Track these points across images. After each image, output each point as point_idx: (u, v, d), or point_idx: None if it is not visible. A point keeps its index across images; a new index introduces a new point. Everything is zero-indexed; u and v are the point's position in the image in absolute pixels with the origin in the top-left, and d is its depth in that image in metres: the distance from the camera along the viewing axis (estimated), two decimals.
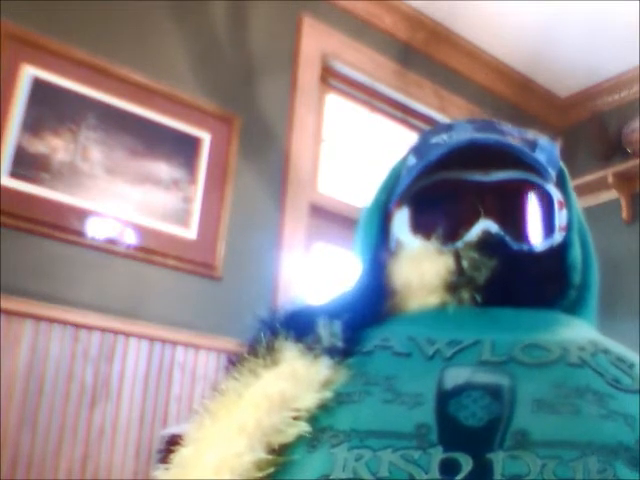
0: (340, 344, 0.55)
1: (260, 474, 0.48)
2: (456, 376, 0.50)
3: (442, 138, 0.67)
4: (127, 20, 1.99)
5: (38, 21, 1.81)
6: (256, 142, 2.20)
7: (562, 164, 0.71)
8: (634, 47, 2.79)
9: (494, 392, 0.48)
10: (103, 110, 1.87)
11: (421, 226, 0.65)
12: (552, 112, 3.27)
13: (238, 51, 2.23)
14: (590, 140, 3.09)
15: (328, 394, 0.51)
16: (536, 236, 0.64)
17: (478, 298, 0.59)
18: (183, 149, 2.01)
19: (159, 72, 2.01)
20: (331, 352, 0.54)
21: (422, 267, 0.61)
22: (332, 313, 0.58)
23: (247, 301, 2.01)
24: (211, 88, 2.13)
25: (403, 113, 2.79)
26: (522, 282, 0.61)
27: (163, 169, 1.96)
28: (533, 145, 0.66)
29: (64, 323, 1.67)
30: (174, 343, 1.85)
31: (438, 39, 2.81)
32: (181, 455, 0.52)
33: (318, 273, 2.39)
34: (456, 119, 0.73)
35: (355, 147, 2.65)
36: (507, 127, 0.69)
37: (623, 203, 2.94)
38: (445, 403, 0.48)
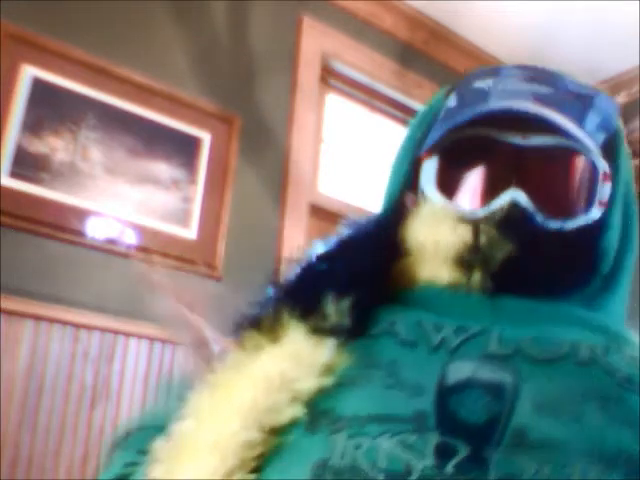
0: (347, 323, 0.53)
1: (253, 454, 0.48)
2: (459, 371, 0.49)
3: (486, 83, 0.61)
4: (127, 20, 1.99)
5: (38, 21, 1.81)
6: (256, 142, 2.20)
7: (619, 124, 0.63)
8: (634, 47, 2.79)
9: (496, 391, 0.47)
10: (103, 110, 1.87)
11: (448, 182, 0.60)
12: None
13: (238, 51, 2.23)
14: None
15: (329, 380, 0.50)
16: (570, 212, 0.58)
17: (489, 284, 0.55)
18: (183, 149, 2.01)
19: (159, 72, 2.01)
20: (337, 332, 0.52)
21: (439, 234, 0.57)
22: (341, 282, 0.55)
23: (247, 301, 2.00)
24: (211, 88, 2.13)
25: (403, 113, 2.79)
26: (543, 266, 0.56)
27: (163, 169, 1.96)
28: (587, 104, 0.59)
29: (64, 323, 1.67)
30: (174, 343, 1.85)
31: (438, 39, 2.81)
32: (179, 428, 0.51)
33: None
34: (507, 64, 0.66)
35: (355, 147, 2.65)
36: (562, 79, 0.61)
37: None
38: (445, 399, 0.47)
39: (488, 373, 0.49)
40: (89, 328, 1.71)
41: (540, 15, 2.70)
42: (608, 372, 0.50)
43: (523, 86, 0.59)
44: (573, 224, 0.57)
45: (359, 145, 2.67)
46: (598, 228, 0.59)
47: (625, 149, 0.63)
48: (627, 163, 0.63)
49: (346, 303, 0.54)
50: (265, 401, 0.49)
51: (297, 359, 0.51)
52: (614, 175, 0.60)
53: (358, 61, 2.57)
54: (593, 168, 0.58)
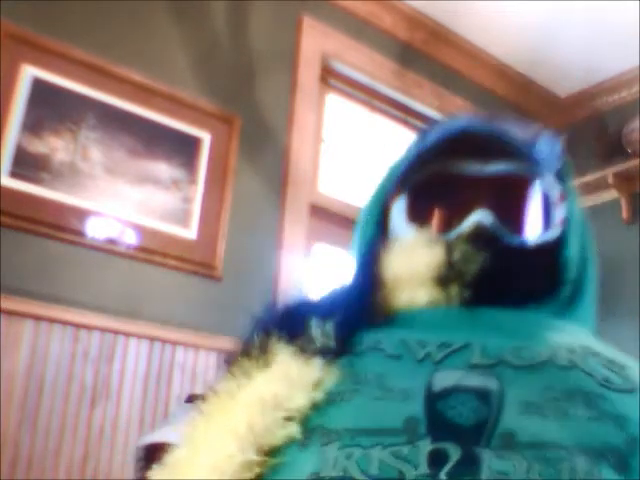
0: (332, 344, 0.55)
1: (250, 475, 0.48)
2: (445, 379, 0.50)
3: (444, 127, 0.67)
4: (127, 20, 1.99)
5: (38, 21, 1.81)
6: (256, 142, 2.20)
7: (566, 159, 0.70)
8: (634, 47, 2.79)
9: (482, 395, 0.49)
10: (103, 110, 1.87)
11: (417, 216, 0.65)
12: (552, 112, 3.27)
13: (238, 51, 2.23)
14: (590, 140, 3.09)
15: (320, 395, 0.51)
16: (531, 230, 0.64)
17: (466, 294, 0.58)
18: (183, 149, 2.01)
19: (159, 72, 2.01)
20: (323, 352, 0.54)
21: (413, 258, 0.61)
22: (325, 311, 0.58)
23: (247, 301, 2.01)
24: (211, 88, 2.13)
25: (403, 113, 2.79)
26: (513, 277, 0.60)
27: (163, 169, 1.96)
28: (534, 138, 0.65)
29: (64, 323, 1.67)
30: (174, 343, 1.85)
31: (438, 39, 2.81)
32: (174, 456, 0.52)
33: (318, 273, 2.39)
34: (458, 115, 0.74)
35: (355, 147, 2.65)
36: (509, 123, 0.68)
37: (623, 203, 2.94)
38: (433, 403, 0.48)
39: (473, 380, 0.50)
40: (89, 328, 1.71)
41: (540, 15, 2.70)
42: (588, 374, 0.51)
43: (472, 124, 0.66)
44: (535, 241, 0.63)
45: (359, 145, 2.67)
46: (559, 243, 0.65)
47: (572, 179, 0.70)
48: (574, 190, 0.70)
49: (330, 325, 0.56)
50: (260, 423, 0.50)
51: (288, 379, 0.52)
52: (567, 197, 0.67)
53: (358, 61, 2.57)
54: (548, 190, 0.65)
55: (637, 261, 2.84)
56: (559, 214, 0.65)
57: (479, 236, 0.60)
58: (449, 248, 0.60)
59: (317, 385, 0.52)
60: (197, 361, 1.88)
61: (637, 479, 0.45)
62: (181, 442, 0.53)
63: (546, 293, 0.63)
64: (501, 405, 0.48)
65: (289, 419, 0.50)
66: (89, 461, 1.65)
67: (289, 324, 0.57)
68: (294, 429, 0.49)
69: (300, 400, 0.51)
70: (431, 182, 0.65)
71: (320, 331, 0.56)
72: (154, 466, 0.53)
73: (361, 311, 0.60)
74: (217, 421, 0.52)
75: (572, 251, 0.66)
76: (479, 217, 0.61)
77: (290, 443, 0.49)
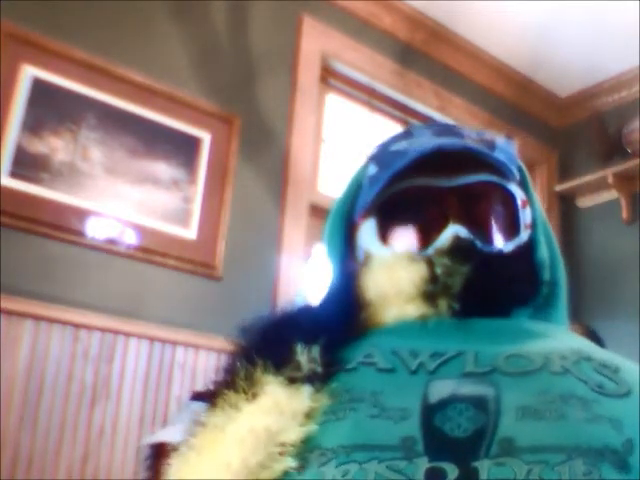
0: (320, 369, 0.54)
1: None
2: (441, 389, 0.50)
3: (402, 145, 0.66)
4: (127, 20, 1.99)
5: (38, 21, 1.81)
6: (256, 142, 2.20)
7: (521, 163, 0.71)
8: (634, 47, 2.79)
9: (479, 403, 0.49)
10: (103, 110, 1.87)
11: (390, 236, 0.65)
12: (552, 112, 3.27)
13: (238, 51, 2.23)
14: (590, 140, 3.09)
15: (313, 426, 0.50)
16: (503, 237, 0.65)
17: (455, 307, 0.59)
18: (183, 149, 2.01)
19: (159, 72, 2.01)
20: (312, 379, 0.54)
21: (396, 276, 0.61)
22: (309, 334, 0.57)
23: (247, 301, 2.01)
24: (211, 88, 2.13)
25: (403, 113, 2.79)
26: (496, 284, 0.61)
27: (163, 169, 1.96)
28: (492, 146, 0.66)
29: (64, 323, 1.67)
30: (174, 343, 1.85)
31: (438, 39, 2.81)
32: None
33: (318, 273, 2.39)
34: (415, 125, 0.73)
35: (355, 147, 2.65)
36: (465, 129, 0.69)
37: (623, 203, 2.94)
38: (431, 416, 0.48)
39: (469, 388, 0.50)
40: (89, 328, 1.71)
41: (540, 15, 2.70)
42: (581, 380, 0.52)
43: (434, 140, 0.65)
44: (509, 247, 0.64)
45: (359, 145, 2.67)
46: (529, 247, 0.66)
47: (530, 181, 0.72)
48: (535, 192, 0.71)
49: (316, 350, 0.55)
50: (254, 458, 0.49)
51: (278, 411, 0.51)
52: (529, 201, 0.68)
53: (358, 61, 2.57)
54: (513, 197, 0.66)
55: (637, 261, 2.84)
56: (526, 218, 0.66)
57: (459, 248, 0.60)
58: (430, 263, 0.60)
59: (309, 414, 0.51)
60: (197, 361, 1.88)
61: (637, 478, 0.45)
62: (170, 477, 0.52)
63: (527, 296, 0.64)
64: (498, 411, 0.48)
65: (283, 453, 0.49)
66: (89, 461, 1.65)
67: (273, 350, 0.56)
68: (289, 463, 0.49)
69: (293, 433, 0.50)
70: (399, 200, 0.65)
71: (306, 357, 0.55)
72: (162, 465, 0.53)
73: (346, 332, 0.60)
74: (208, 455, 0.51)
75: (543, 253, 0.67)
76: (454, 230, 0.61)
77: (287, 472, 0.49)
